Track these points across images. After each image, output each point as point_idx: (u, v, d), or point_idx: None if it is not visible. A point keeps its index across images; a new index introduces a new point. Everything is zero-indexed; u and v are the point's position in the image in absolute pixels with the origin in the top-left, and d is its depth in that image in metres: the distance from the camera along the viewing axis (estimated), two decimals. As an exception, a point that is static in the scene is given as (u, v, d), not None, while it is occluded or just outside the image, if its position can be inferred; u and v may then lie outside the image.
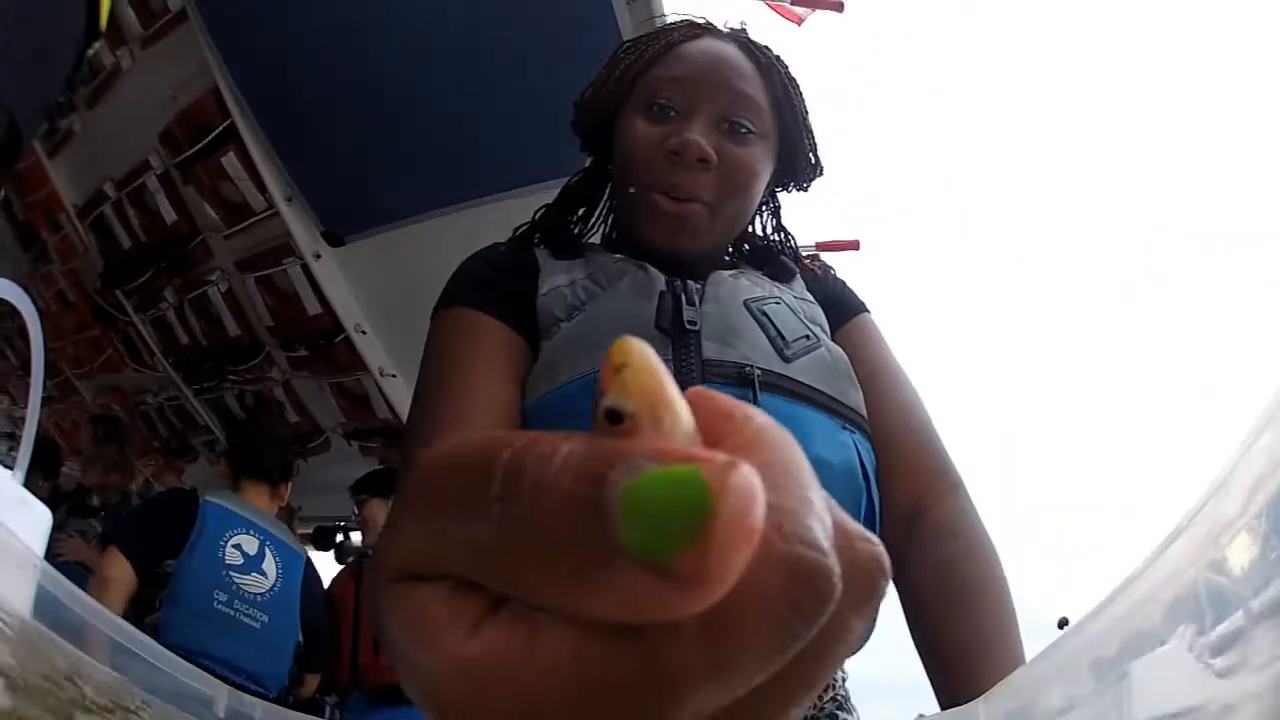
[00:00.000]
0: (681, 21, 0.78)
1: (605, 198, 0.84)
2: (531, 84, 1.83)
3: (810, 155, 0.79)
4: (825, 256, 0.93)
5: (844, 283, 0.83)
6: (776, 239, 0.84)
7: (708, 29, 0.77)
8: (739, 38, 0.77)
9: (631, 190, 0.72)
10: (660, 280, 0.69)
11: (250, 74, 2.05)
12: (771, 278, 0.77)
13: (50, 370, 3.35)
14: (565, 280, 0.71)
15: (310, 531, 3.06)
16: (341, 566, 2.72)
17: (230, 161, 2.21)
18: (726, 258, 0.83)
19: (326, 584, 2.23)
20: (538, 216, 0.83)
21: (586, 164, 0.84)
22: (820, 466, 0.38)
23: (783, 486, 0.15)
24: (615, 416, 0.15)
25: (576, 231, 0.83)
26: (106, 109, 2.32)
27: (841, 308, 0.78)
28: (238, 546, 1.72)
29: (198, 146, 2.23)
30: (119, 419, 2.98)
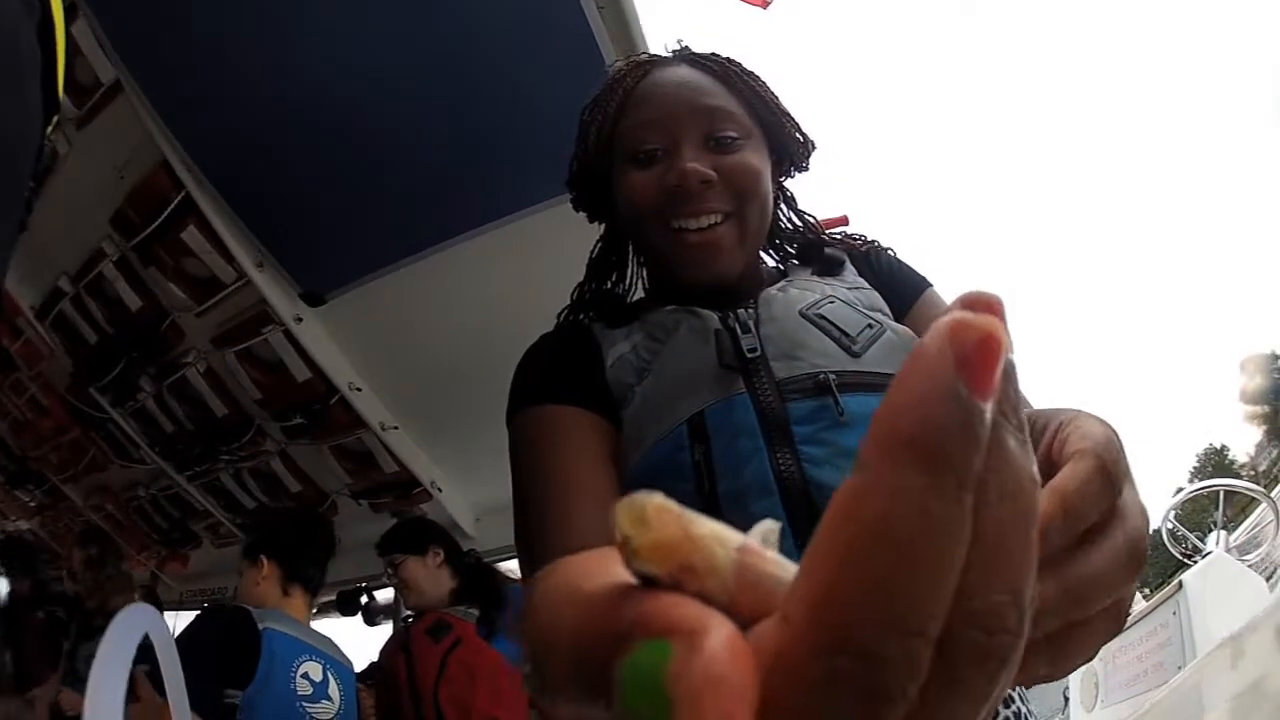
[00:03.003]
0: (625, 62, 0.80)
1: (631, 255, 0.85)
2: (498, 108, 1.74)
3: (797, 134, 0.79)
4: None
5: (899, 261, 0.82)
6: (799, 226, 0.85)
7: (653, 61, 0.79)
8: (685, 57, 0.79)
9: (652, 237, 0.73)
10: (713, 319, 0.70)
11: (199, 140, 1.92)
12: (820, 274, 0.77)
13: (35, 478, 3.19)
14: (627, 346, 0.73)
15: (333, 598, 2.92)
16: (382, 632, 2.62)
17: (191, 235, 2.08)
18: (774, 264, 0.84)
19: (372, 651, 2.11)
20: (575, 296, 0.83)
21: (600, 233, 0.86)
22: None
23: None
24: (646, 580, 0.15)
25: (619, 292, 0.84)
26: (49, 199, 2.16)
27: (904, 289, 0.78)
28: (306, 675, 1.69)
29: (154, 225, 2.10)
30: (106, 534, 2.80)
